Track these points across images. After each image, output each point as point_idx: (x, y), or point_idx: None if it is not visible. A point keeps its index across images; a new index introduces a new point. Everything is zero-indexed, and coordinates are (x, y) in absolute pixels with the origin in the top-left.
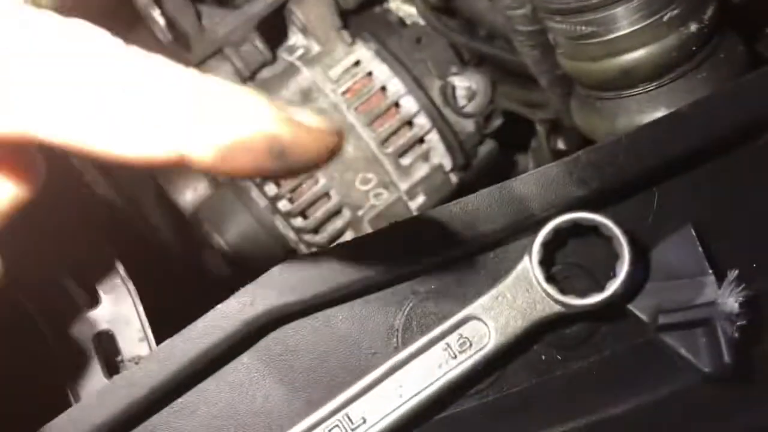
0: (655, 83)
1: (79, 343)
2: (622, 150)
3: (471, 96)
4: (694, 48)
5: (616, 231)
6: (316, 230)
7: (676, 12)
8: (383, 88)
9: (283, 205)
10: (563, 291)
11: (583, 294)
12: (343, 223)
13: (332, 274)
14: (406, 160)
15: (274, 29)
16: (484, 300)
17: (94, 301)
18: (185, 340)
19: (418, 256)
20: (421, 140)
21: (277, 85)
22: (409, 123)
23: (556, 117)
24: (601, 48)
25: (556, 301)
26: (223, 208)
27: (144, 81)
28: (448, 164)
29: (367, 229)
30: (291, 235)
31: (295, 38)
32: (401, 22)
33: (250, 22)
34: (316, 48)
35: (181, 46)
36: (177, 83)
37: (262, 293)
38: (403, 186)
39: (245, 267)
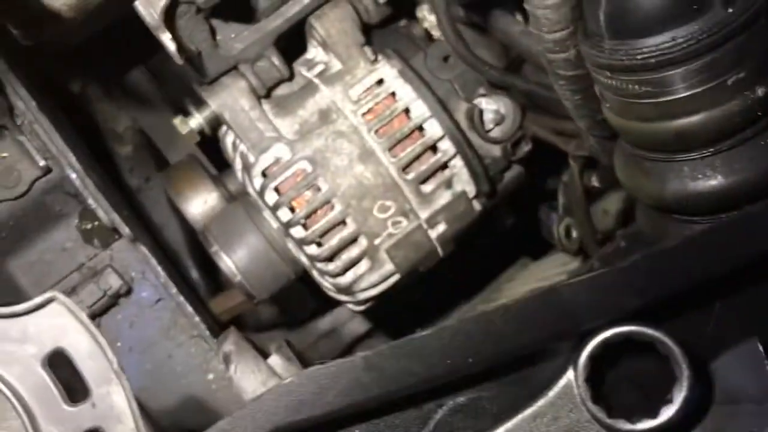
0: (712, 148)
1: None
2: (686, 257)
3: (499, 120)
4: (759, 113)
5: (675, 350)
6: (330, 258)
7: (742, 75)
8: (406, 111)
9: (297, 231)
10: (611, 413)
11: (633, 417)
12: (359, 251)
13: (347, 390)
14: (427, 187)
15: (292, 43)
16: (521, 419)
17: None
18: None
19: (448, 367)
20: (444, 166)
21: (294, 103)
22: (432, 148)
23: (591, 154)
24: (654, 109)
25: (603, 425)
26: (234, 226)
27: None
28: (471, 191)
29: (384, 258)
30: (304, 259)
31: (315, 52)
32: (428, 35)
33: (267, 38)
34: (336, 65)
35: (194, 65)
36: None
37: (266, 410)
38: (424, 214)
39: (255, 289)
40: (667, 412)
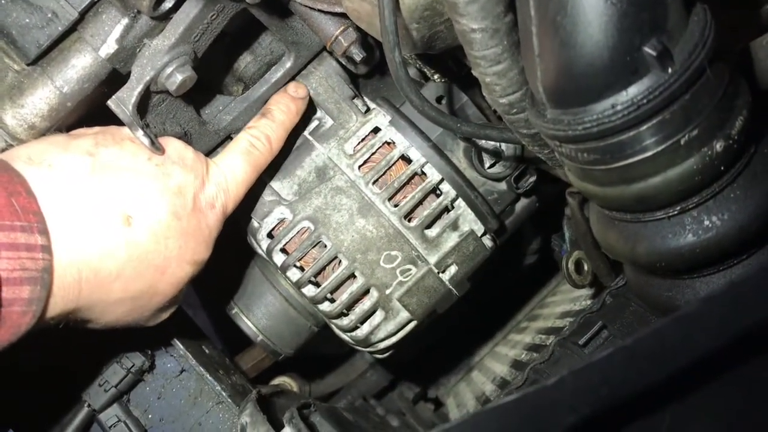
0: (678, 207)
1: None
2: (618, 367)
3: (498, 156)
4: (722, 168)
5: None
6: (344, 313)
7: (695, 133)
8: (404, 158)
9: (308, 290)
10: None
11: None
12: (370, 304)
13: None
14: (432, 231)
15: None
16: None
17: None
18: None
19: None
20: (448, 208)
21: (291, 164)
22: (434, 191)
23: None
24: (609, 175)
25: None
26: (251, 287)
27: None
28: (479, 229)
29: (397, 307)
30: (320, 314)
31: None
32: (423, 75)
33: (255, 105)
34: (329, 121)
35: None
36: None
37: None
38: (432, 259)
39: (277, 346)
40: None
